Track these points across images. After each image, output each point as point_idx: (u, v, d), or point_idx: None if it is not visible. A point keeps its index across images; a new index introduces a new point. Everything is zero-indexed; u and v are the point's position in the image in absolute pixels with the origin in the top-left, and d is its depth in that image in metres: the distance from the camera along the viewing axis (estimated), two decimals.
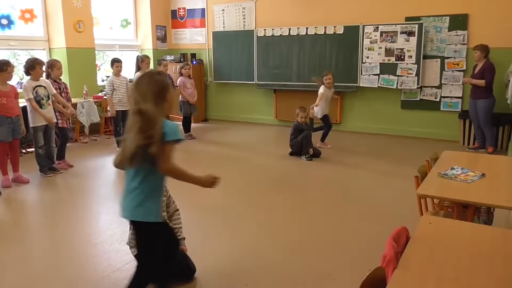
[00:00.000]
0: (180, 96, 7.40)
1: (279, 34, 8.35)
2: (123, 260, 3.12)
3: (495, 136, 6.35)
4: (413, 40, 7.13)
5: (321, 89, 6.57)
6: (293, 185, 5.05)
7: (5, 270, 3.08)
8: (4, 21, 6.84)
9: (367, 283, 1.56)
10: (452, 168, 2.97)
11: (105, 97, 6.84)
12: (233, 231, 3.73)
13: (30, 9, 7.19)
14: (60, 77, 5.63)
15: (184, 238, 3.01)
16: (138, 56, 7.05)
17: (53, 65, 5.51)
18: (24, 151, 6.36)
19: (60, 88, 5.53)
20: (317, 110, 6.48)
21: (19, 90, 5.18)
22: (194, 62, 9.14)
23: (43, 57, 7.24)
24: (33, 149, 5.50)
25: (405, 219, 2.61)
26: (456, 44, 6.95)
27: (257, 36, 8.58)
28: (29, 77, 5.15)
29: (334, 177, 5.27)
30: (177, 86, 7.39)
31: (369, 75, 7.62)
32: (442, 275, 1.68)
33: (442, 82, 7.15)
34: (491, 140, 6.31)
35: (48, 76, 5.52)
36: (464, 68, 6.93)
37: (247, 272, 2.98)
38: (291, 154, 6.25)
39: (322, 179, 5.24)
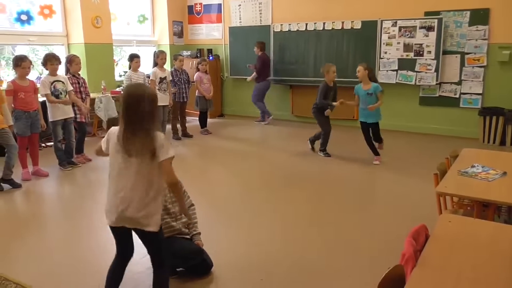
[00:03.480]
0: (197, 91, 7.43)
1: (295, 29, 8.30)
2: (140, 253, 3.13)
3: (263, 108, 8.43)
4: (433, 35, 7.01)
5: None
6: (309, 182, 5.02)
7: (26, 260, 3.14)
8: (24, 17, 6.93)
9: (386, 280, 1.54)
10: (473, 166, 2.92)
11: (122, 92, 6.90)
12: (248, 227, 3.73)
13: (49, 5, 7.27)
14: (79, 72, 5.71)
15: (199, 233, 3.02)
16: (155, 51, 7.10)
17: (71, 60, 5.58)
18: (43, 145, 6.46)
19: (78, 83, 5.60)
20: None
21: (38, 85, 5.26)
22: (211, 58, 9.16)
23: (62, 52, 7.33)
24: (52, 143, 5.59)
25: (423, 217, 2.57)
26: (476, 40, 6.81)
27: (273, 31, 8.55)
28: (47, 72, 5.23)
29: (351, 174, 5.23)
30: (193, 82, 7.43)
31: (387, 70, 7.52)
32: (461, 274, 1.66)
33: (462, 78, 7.02)
34: (261, 113, 8.48)
35: (67, 71, 5.60)
36: (485, 64, 6.79)
37: (262, 267, 2.98)
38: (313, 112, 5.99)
39: (339, 176, 5.20)
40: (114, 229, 2.34)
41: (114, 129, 2.30)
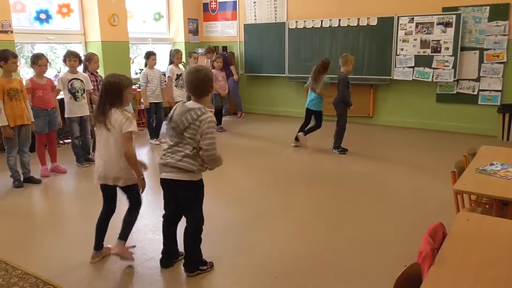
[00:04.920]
0: None
1: (311, 26, 8.26)
2: (156, 249, 3.18)
3: (240, 104, 8.89)
4: (450, 31, 6.91)
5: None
6: (324, 179, 5.00)
7: (45, 256, 3.19)
8: (43, 16, 7.04)
9: (402, 279, 1.53)
10: (492, 164, 2.88)
11: (138, 90, 6.96)
12: (262, 224, 3.74)
13: (67, 3, 7.37)
14: (97, 70, 5.78)
15: None
16: (171, 50, 7.16)
17: (90, 58, 5.65)
18: (61, 142, 6.56)
19: (97, 81, 5.67)
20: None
21: (56, 83, 5.33)
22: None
23: (79, 50, 7.42)
24: (70, 140, 5.67)
25: (441, 215, 2.54)
26: (496, 35, 6.69)
27: (288, 28, 8.52)
28: (67, 69, 5.31)
29: (367, 172, 5.19)
30: None
31: (403, 67, 7.44)
32: (480, 273, 1.63)
33: (481, 74, 6.90)
34: (239, 107, 8.88)
35: (85, 69, 5.67)
36: (505, 60, 6.67)
37: (277, 264, 2.98)
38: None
39: (354, 173, 5.17)
40: (100, 186, 2.95)
41: None
